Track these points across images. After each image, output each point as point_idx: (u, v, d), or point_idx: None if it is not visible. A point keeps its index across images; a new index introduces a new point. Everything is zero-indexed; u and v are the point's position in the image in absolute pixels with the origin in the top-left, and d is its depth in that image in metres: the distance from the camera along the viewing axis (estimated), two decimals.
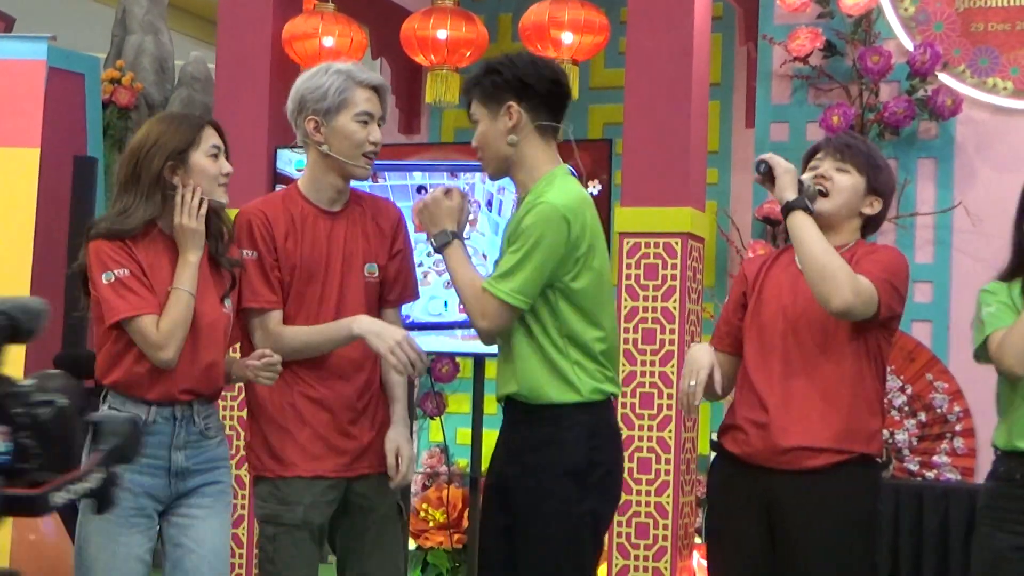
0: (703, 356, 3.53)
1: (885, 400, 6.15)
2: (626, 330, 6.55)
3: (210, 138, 3.69)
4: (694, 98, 6.65)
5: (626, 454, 6.56)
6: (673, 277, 6.50)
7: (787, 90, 7.19)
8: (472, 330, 3.91)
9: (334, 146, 3.82)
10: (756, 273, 3.71)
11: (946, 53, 6.84)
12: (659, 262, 6.51)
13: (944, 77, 6.85)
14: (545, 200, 3.57)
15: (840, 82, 7.01)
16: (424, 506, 7.49)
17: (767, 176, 3.58)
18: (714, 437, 3.76)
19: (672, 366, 6.49)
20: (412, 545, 7.19)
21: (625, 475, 6.54)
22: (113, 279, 3.49)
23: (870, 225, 3.80)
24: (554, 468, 3.59)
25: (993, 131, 6.80)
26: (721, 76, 7.88)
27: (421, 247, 4.46)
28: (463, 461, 7.57)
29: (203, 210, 3.56)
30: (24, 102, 5.11)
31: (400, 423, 3.87)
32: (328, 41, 7.31)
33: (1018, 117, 6.71)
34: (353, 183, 4.02)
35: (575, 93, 7.20)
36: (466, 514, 7.21)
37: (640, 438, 6.47)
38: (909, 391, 6.52)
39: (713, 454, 3.81)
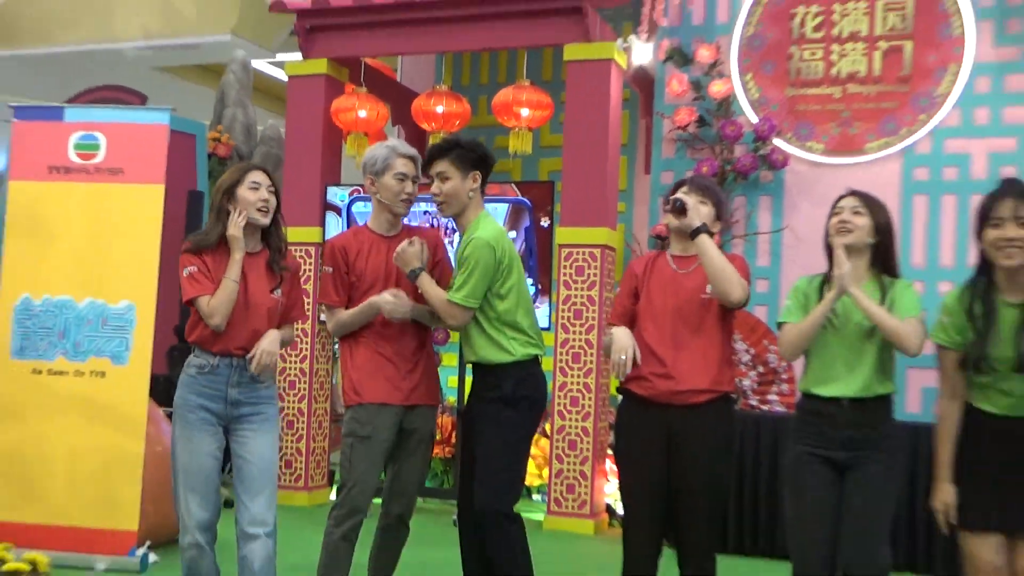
0: (626, 338, 3.51)
1: (735, 357, 6.20)
2: (563, 311, 6.64)
3: (253, 177, 3.65)
4: (610, 154, 6.74)
5: (561, 393, 6.64)
6: (595, 274, 6.60)
7: (672, 149, 7.20)
8: None
9: (382, 195, 3.89)
10: (642, 272, 3.64)
11: (779, 125, 6.87)
12: (586, 264, 6.62)
13: (777, 141, 6.87)
14: (477, 236, 3.72)
15: (708, 144, 7.03)
16: None
17: (680, 210, 3.51)
18: (620, 385, 3.73)
19: (593, 335, 6.57)
20: None
21: (560, 407, 6.65)
22: (187, 273, 3.60)
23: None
24: (494, 399, 3.77)
25: (810, 177, 6.82)
26: (628, 139, 7.91)
27: None
28: (452, 399, 7.60)
29: (242, 222, 3.58)
30: (153, 153, 5.08)
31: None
32: (362, 113, 7.33)
33: (827, 168, 6.75)
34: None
35: (529, 150, 7.30)
36: (453, 434, 7.25)
37: (571, 383, 6.58)
38: (752, 352, 6.54)
39: (619, 396, 3.79)
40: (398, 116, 8.10)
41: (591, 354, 6.54)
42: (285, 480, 7.06)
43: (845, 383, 3.32)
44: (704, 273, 3.53)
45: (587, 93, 6.76)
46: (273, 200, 3.69)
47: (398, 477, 3.96)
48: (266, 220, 3.68)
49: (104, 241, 5.09)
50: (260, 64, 10.35)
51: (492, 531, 3.70)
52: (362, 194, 7.07)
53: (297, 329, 4.38)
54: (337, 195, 7.20)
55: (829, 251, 3.40)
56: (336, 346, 8.64)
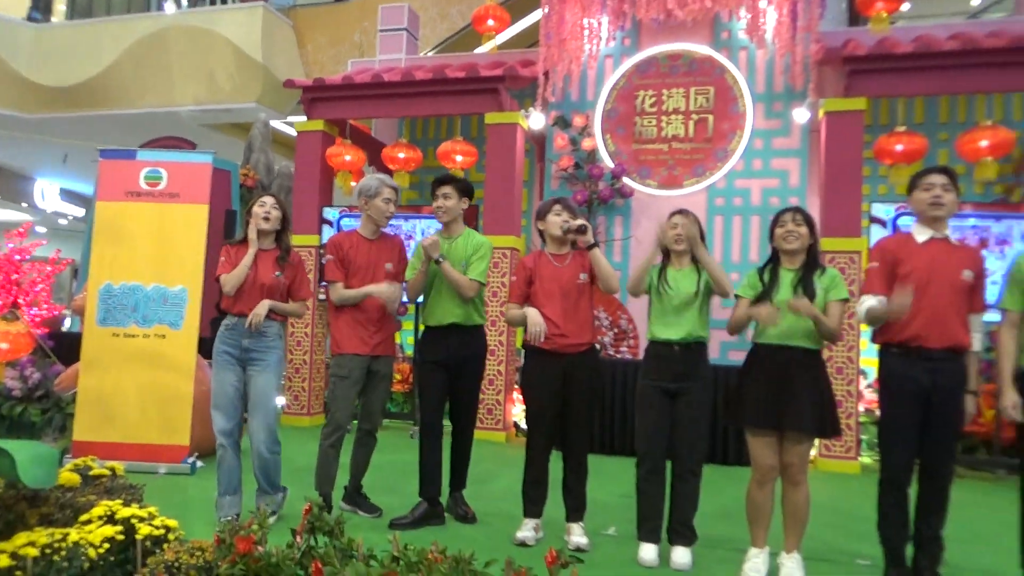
0: (538, 315, 3.48)
1: (597, 323, 6.21)
2: (485, 293, 6.58)
3: (261, 199, 3.78)
4: (516, 186, 6.71)
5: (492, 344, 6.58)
6: (506, 266, 6.57)
7: (558, 183, 7.20)
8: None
9: (372, 212, 3.88)
10: (532, 266, 3.61)
11: (628, 168, 6.93)
12: (501, 259, 6.55)
13: (627, 179, 6.93)
14: (484, 239, 3.88)
15: (581, 180, 7.05)
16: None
17: (582, 231, 3.48)
18: (526, 343, 3.69)
19: (505, 308, 6.53)
20: None
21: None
22: (221, 259, 3.74)
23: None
24: (481, 351, 3.94)
25: (647, 204, 6.89)
26: (528, 176, 7.88)
27: None
28: (410, 352, 7.52)
29: (252, 231, 3.71)
30: (200, 182, 4.96)
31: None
32: (347, 157, 7.20)
33: (659, 198, 6.82)
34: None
35: None
36: (410, 376, 7.17)
37: (490, 340, 6.51)
38: (610, 319, 6.60)
39: (523, 350, 3.77)
40: (372, 159, 7.96)
41: (503, 322, 6.52)
42: (294, 409, 6.92)
43: (675, 331, 3.33)
44: (576, 264, 3.56)
45: (501, 146, 6.73)
46: (275, 213, 3.78)
47: (367, 403, 3.96)
48: (267, 226, 3.73)
49: (165, 243, 4.94)
50: (277, 124, 10.11)
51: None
52: (349, 212, 6.95)
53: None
54: (330, 213, 7.07)
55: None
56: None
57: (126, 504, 2.70)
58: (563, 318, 3.52)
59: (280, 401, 5.78)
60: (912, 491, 3.06)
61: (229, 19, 10.33)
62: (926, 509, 3.01)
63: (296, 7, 11.22)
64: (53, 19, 12.22)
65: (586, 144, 6.98)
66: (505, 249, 6.55)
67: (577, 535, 3.47)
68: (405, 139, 7.62)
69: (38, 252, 6.95)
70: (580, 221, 3.52)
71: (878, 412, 3.18)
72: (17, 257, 6.61)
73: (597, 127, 7.10)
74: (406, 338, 7.46)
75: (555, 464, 3.60)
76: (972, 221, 5.62)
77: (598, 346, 6.31)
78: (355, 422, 4.01)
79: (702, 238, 3.41)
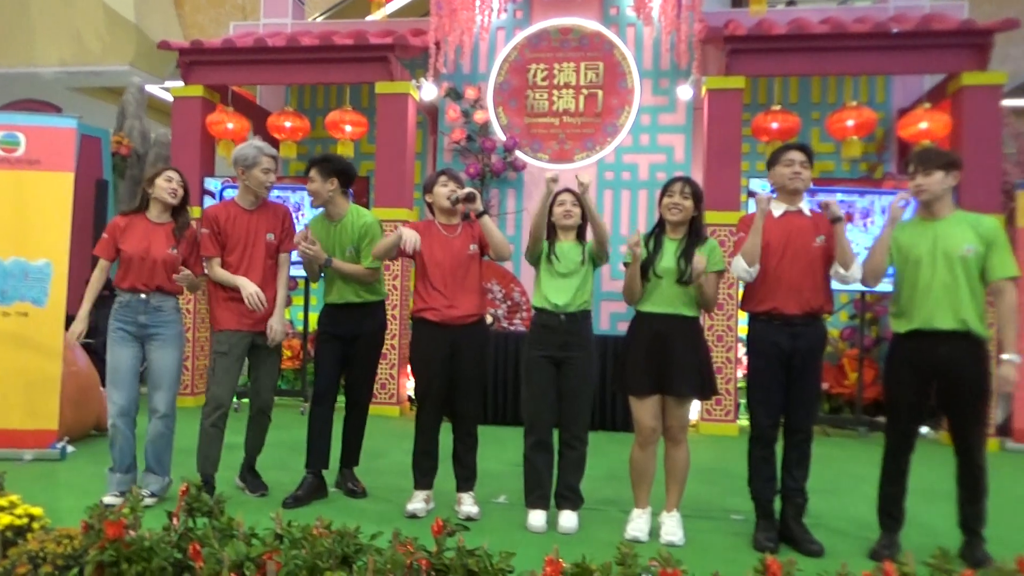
0: (412, 231, 3.48)
1: (490, 295, 6.25)
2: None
3: (170, 176, 3.66)
4: (407, 158, 6.60)
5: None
6: None
7: (451, 156, 7.16)
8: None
9: (250, 183, 3.72)
10: (424, 228, 3.58)
11: (520, 142, 6.96)
12: (392, 233, 6.44)
13: (519, 152, 6.96)
14: (370, 218, 3.80)
15: (474, 153, 7.03)
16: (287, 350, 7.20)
17: (471, 199, 3.47)
18: (414, 314, 3.66)
19: (398, 281, 6.46)
20: None
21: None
22: (104, 236, 3.68)
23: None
24: (379, 326, 3.91)
25: (540, 177, 6.94)
26: (421, 148, 7.76)
27: None
28: (300, 328, 7.32)
29: (151, 194, 3.65)
30: (64, 149, 4.63)
31: (278, 310, 3.77)
32: (230, 125, 6.87)
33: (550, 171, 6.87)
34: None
35: (352, 154, 7.05)
36: (300, 352, 6.99)
37: (388, 313, 6.43)
38: (503, 292, 6.64)
39: (410, 322, 3.74)
40: (257, 128, 7.62)
41: (396, 294, 6.44)
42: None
43: (562, 296, 3.37)
44: (466, 235, 3.55)
45: (392, 117, 6.59)
46: (181, 192, 3.69)
47: (256, 380, 3.86)
48: (172, 201, 3.66)
49: (24, 213, 4.56)
50: (153, 89, 9.49)
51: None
52: (232, 183, 6.66)
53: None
54: (212, 184, 6.75)
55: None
56: None
57: None
58: (452, 289, 3.51)
59: None
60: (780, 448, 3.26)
61: None
62: (790, 463, 3.21)
63: None
64: None
65: (478, 117, 6.95)
66: (397, 222, 6.43)
67: (468, 504, 3.50)
68: (292, 107, 7.35)
69: None
70: (468, 189, 3.51)
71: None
72: None
73: (489, 100, 7.08)
74: (296, 314, 7.26)
75: (447, 436, 3.61)
76: (840, 196, 5.98)
77: (490, 318, 6.37)
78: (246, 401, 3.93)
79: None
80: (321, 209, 3.83)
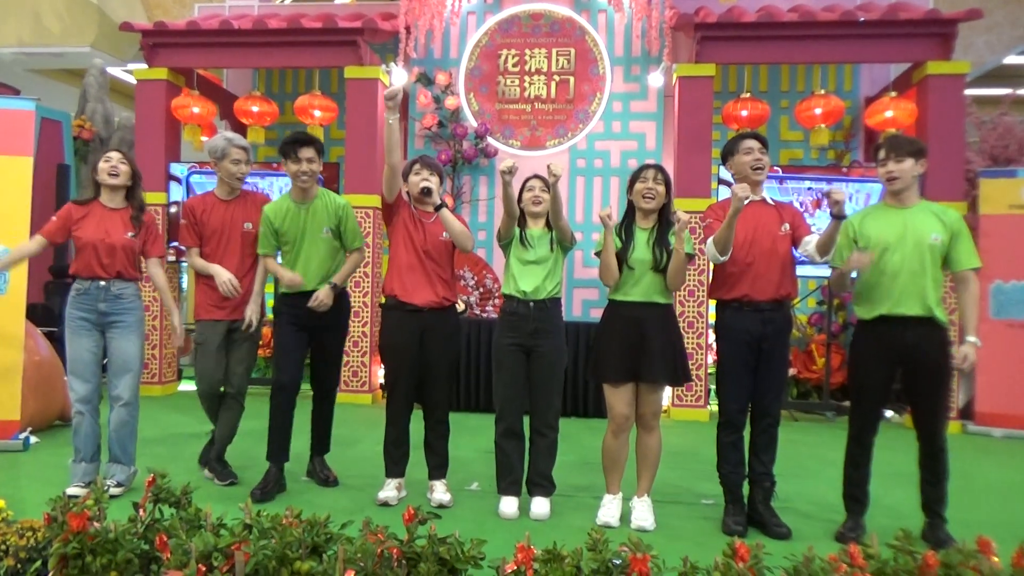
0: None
1: (463, 282, 6.23)
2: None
3: (108, 156, 3.57)
4: (378, 144, 6.53)
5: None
6: (369, 227, 6.46)
7: (422, 142, 7.10)
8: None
9: (222, 174, 3.76)
10: (407, 215, 3.53)
11: (491, 128, 6.92)
12: (363, 220, 6.41)
13: (491, 139, 6.93)
14: (341, 199, 3.74)
15: (445, 139, 6.99)
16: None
17: (427, 193, 3.43)
18: (388, 299, 3.63)
19: (369, 268, 6.41)
20: None
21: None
22: (52, 219, 3.60)
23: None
24: (344, 313, 3.85)
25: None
26: None
27: None
28: (271, 316, 7.23)
29: (97, 179, 3.57)
30: (22, 132, 4.52)
31: (254, 297, 3.80)
32: (196, 109, 6.73)
33: (523, 158, 6.81)
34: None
35: (321, 140, 6.95)
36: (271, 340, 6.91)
37: (354, 301, 6.40)
38: (475, 279, 6.62)
39: (381, 309, 3.71)
40: (224, 112, 7.51)
41: (367, 281, 6.39)
42: (143, 377, 6.49)
43: (528, 284, 3.37)
44: (440, 222, 3.50)
45: (361, 102, 6.52)
46: (123, 168, 3.59)
47: (228, 367, 3.83)
48: (115, 181, 3.55)
49: None
50: (116, 71, 9.27)
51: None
52: (199, 168, 6.55)
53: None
54: (178, 169, 6.63)
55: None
56: (183, 280, 8.04)
57: None
58: (423, 275, 3.49)
59: None
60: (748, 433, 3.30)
61: None
62: (758, 448, 3.25)
63: None
64: None
65: (449, 103, 6.90)
66: (368, 208, 6.39)
67: (440, 492, 3.49)
68: (259, 92, 7.22)
69: None
70: (423, 184, 3.46)
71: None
72: None
73: (460, 85, 7.03)
74: (267, 300, 7.16)
75: (419, 423, 3.59)
76: (808, 184, 6.06)
77: (462, 305, 6.36)
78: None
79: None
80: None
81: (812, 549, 1.98)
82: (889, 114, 6.13)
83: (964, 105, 6.01)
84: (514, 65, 6.97)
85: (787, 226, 3.23)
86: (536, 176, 3.50)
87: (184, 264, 7.56)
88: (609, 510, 3.27)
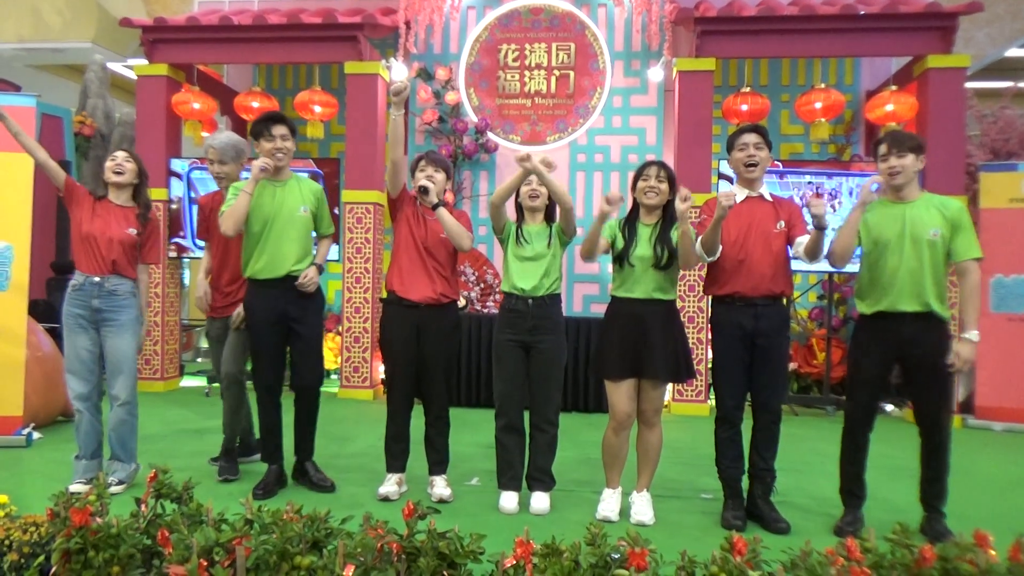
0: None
1: (463, 278, 6.23)
2: (348, 248, 6.44)
3: (114, 155, 3.60)
4: (378, 140, 6.53)
5: (348, 305, 6.45)
6: (370, 222, 6.43)
7: (422, 137, 7.11)
8: None
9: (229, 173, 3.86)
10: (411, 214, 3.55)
11: (491, 124, 6.92)
12: (364, 215, 6.41)
13: (491, 134, 6.93)
14: (314, 183, 3.66)
15: (445, 134, 6.99)
16: None
17: (425, 192, 3.39)
18: (389, 293, 3.62)
19: (370, 264, 6.41)
20: None
21: (347, 314, 6.48)
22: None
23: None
24: (319, 301, 3.64)
25: (511, 158, 6.86)
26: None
27: None
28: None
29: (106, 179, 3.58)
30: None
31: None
32: (196, 105, 6.73)
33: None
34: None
35: (322, 135, 6.99)
36: None
37: (355, 297, 6.42)
38: (476, 274, 6.63)
39: (382, 303, 3.71)
40: (224, 108, 7.51)
41: (368, 277, 6.40)
42: (145, 373, 6.52)
43: (526, 281, 3.37)
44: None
45: (362, 97, 6.51)
46: (129, 166, 3.60)
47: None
48: (121, 180, 3.56)
49: None
50: (116, 66, 9.26)
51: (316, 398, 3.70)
52: (200, 164, 6.56)
53: (154, 269, 3.94)
54: (179, 165, 6.64)
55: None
56: (184, 276, 8.05)
57: None
58: (424, 270, 3.49)
59: None
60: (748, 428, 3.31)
61: None
62: (759, 443, 3.26)
63: None
64: None
65: (450, 98, 6.90)
66: (368, 204, 6.40)
67: (440, 487, 3.51)
68: (260, 87, 7.23)
69: None
70: (420, 183, 3.45)
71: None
72: None
73: (461, 81, 7.02)
74: None
75: (420, 419, 3.60)
76: (808, 178, 6.05)
77: (463, 301, 6.37)
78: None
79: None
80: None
81: (809, 543, 1.99)
82: (890, 108, 6.12)
83: (965, 99, 6.00)
84: (514, 60, 6.97)
85: (783, 223, 3.22)
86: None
87: (186, 261, 7.59)
88: (609, 505, 3.28)
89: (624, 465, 3.35)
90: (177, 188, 6.62)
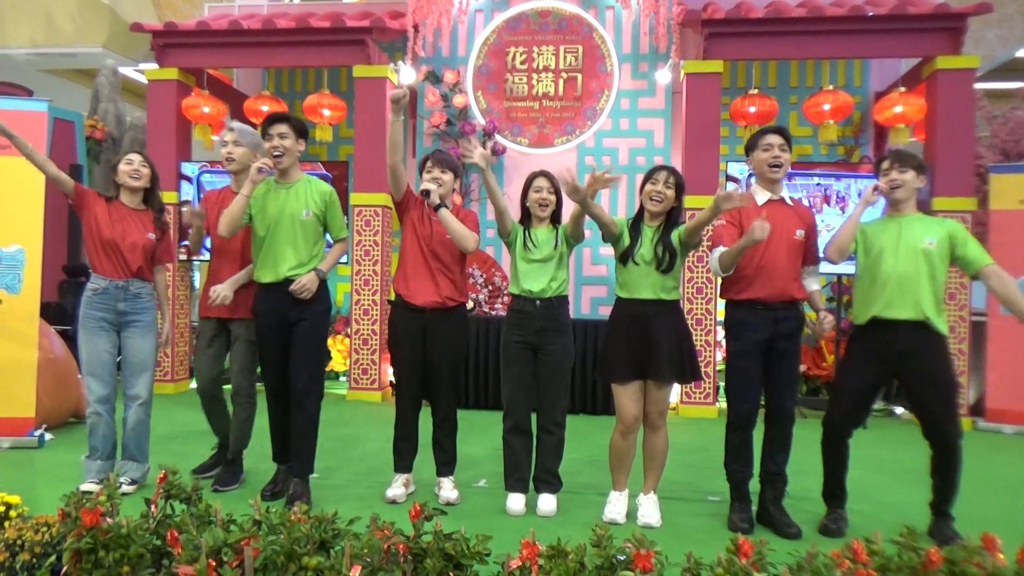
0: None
1: (471, 280, 6.24)
2: (357, 251, 6.46)
3: (130, 159, 3.62)
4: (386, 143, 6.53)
5: (357, 307, 6.47)
6: (379, 225, 6.45)
7: (430, 140, 7.14)
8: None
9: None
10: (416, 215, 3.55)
11: (499, 126, 6.94)
12: (372, 218, 6.44)
13: (499, 136, 6.94)
14: (325, 185, 3.52)
15: (453, 137, 7.01)
16: None
17: (426, 194, 3.41)
18: (396, 295, 3.62)
19: (378, 266, 6.43)
20: None
21: (356, 316, 6.49)
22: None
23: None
24: (323, 303, 3.48)
25: (519, 160, 6.96)
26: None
27: None
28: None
29: (117, 181, 3.61)
30: (36, 132, 4.59)
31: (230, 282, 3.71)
32: (206, 109, 6.78)
33: (531, 155, 6.89)
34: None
35: (330, 139, 7.03)
36: None
37: (364, 300, 6.45)
38: (484, 277, 6.64)
39: (390, 305, 3.72)
40: (234, 112, 7.55)
41: (377, 279, 6.42)
42: (155, 375, 6.54)
43: (534, 284, 3.38)
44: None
45: (370, 100, 6.54)
46: (144, 171, 3.65)
47: (230, 365, 3.81)
48: (136, 184, 3.61)
49: None
50: (127, 71, 9.33)
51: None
52: (210, 168, 6.60)
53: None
54: (189, 168, 6.68)
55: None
56: (195, 279, 8.10)
57: None
58: (431, 272, 3.49)
59: None
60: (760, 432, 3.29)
61: None
62: (772, 447, 3.25)
63: None
64: None
65: (458, 100, 6.93)
66: (377, 207, 6.43)
67: (447, 489, 3.52)
68: (269, 91, 7.27)
69: None
70: (424, 186, 3.45)
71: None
72: None
73: (468, 83, 7.04)
74: None
75: (428, 421, 3.61)
76: (816, 180, 6.04)
77: (471, 303, 6.38)
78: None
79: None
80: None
81: (815, 545, 1.99)
82: (898, 109, 6.10)
83: (974, 100, 5.97)
84: (522, 63, 6.98)
85: (802, 232, 3.22)
86: (543, 174, 3.47)
87: (196, 263, 7.64)
88: (615, 507, 3.28)
89: (631, 468, 3.35)
90: (187, 191, 6.67)
